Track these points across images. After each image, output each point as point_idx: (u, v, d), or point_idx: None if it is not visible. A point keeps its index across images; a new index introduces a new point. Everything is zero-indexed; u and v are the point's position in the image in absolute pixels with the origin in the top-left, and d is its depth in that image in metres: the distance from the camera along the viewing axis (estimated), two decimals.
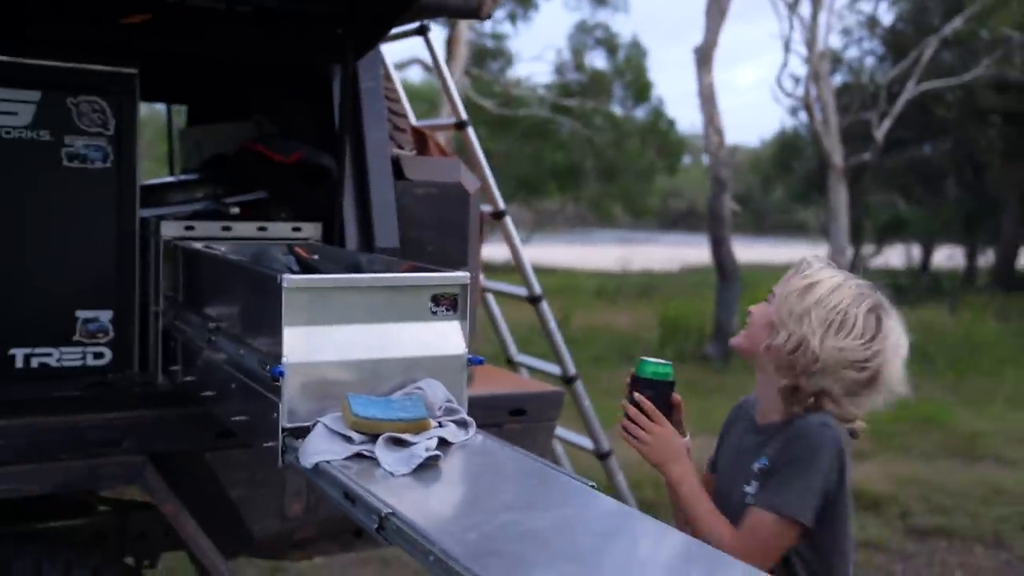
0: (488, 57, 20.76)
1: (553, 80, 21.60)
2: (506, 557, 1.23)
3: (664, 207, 40.49)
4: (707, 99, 9.73)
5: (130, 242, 2.51)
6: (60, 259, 2.46)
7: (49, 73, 2.41)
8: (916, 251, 22.43)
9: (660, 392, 1.81)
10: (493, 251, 10.47)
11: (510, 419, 2.83)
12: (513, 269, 3.81)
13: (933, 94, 15.79)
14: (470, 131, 3.55)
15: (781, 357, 1.73)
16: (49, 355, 2.45)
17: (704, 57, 9.72)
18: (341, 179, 2.60)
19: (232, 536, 2.58)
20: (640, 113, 22.32)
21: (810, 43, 12.95)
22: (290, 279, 1.77)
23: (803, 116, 17.11)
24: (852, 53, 19.30)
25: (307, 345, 1.78)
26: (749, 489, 1.75)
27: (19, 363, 2.42)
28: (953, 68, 15.89)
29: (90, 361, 2.49)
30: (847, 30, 18.66)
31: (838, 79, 18.29)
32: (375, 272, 2.04)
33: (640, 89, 21.57)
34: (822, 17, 13.16)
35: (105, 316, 2.50)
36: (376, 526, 1.43)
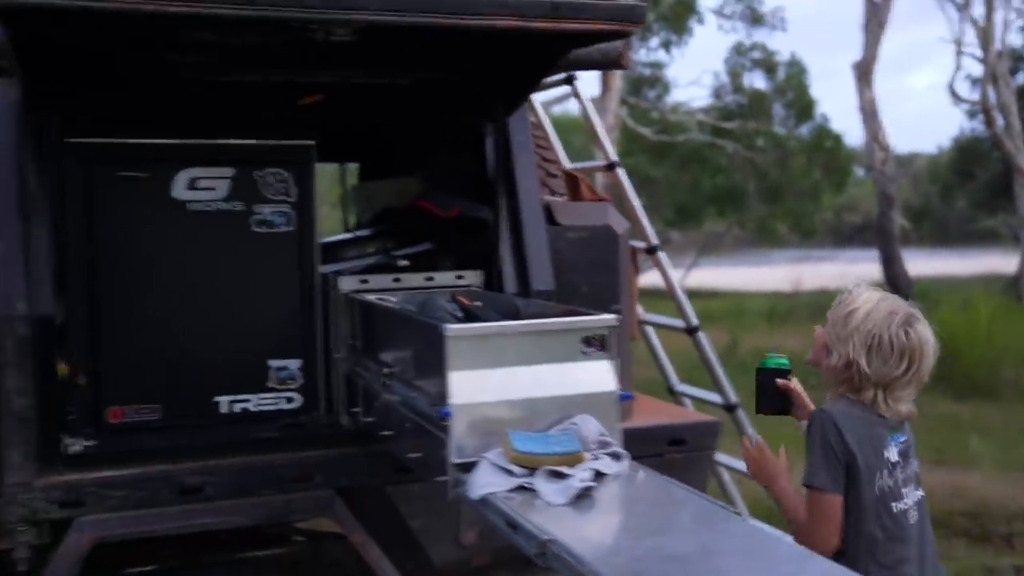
0: (645, 85, 20.84)
1: (711, 103, 21.44)
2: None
3: (838, 222, 39.12)
4: (869, 114, 9.51)
5: (313, 297, 2.78)
6: (253, 315, 2.74)
7: (240, 151, 2.71)
8: None
9: (771, 377, 2.26)
10: (657, 280, 10.47)
11: (670, 449, 2.93)
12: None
13: None
14: (620, 172, 3.69)
15: (838, 373, 2.10)
16: (247, 401, 2.74)
17: (864, 72, 9.52)
18: (498, 228, 2.80)
19: (413, 563, 2.78)
20: (804, 130, 21.80)
21: (985, 43, 12.39)
22: (452, 328, 1.96)
23: (982, 119, 16.33)
24: None
25: (470, 387, 1.96)
26: None
27: (223, 409, 2.72)
28: None
29: (283, 405, 2.76)
30: None
31: (1021, 79, 17.36)
32: (531, 317, 2.21)
33: (803, 108, 21.10)
34: (998, 16, 12.59)
35: (294, 364, 2.77)
36: (537, 552, 1.58)
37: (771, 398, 2.27)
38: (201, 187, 2.68)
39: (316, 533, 3.11)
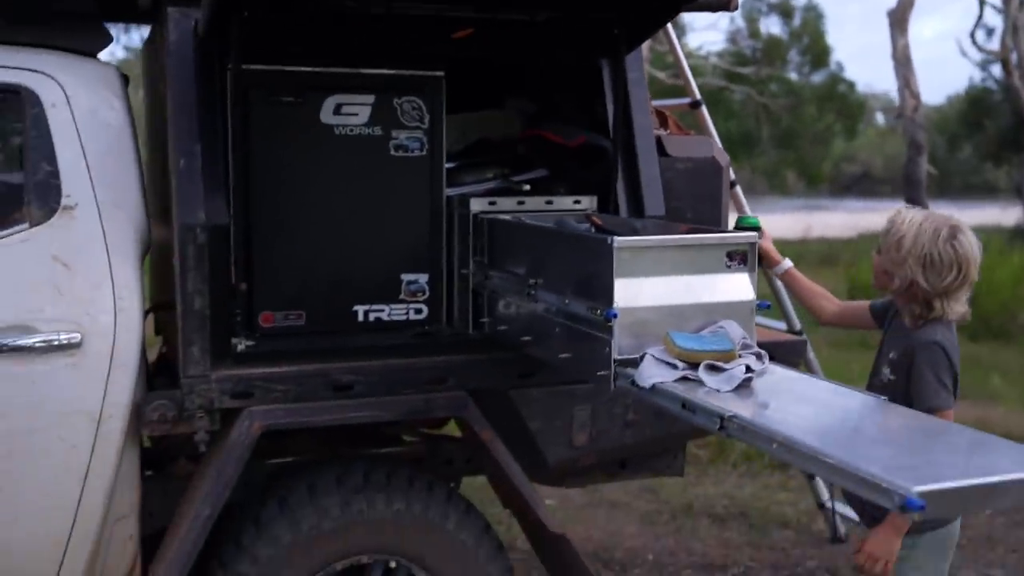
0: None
1: (726, 48, 21.50)
2: (840, 439, 1.63)
3: (837, 172, 39.23)
4: (902, 62, 9.68)
5: (440, 216, 3.02)
6: (388, 232, 2.98)
7: (380, 80, 2.93)
8: None
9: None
10: None
11: None
12: None
13: None
14: (703, 110, 3.92)
15: (903, 292, 2.53)
16: (381, 311, 2.99)
17: (899, 19, 9.66)
18: (615, 158, 3.04)
19: (529, 463, 3.07)
20: (818, 78, 21.91)
21: None
22: (620, 241, 2.22)
23: (996, 71, 16.44)
24: None
25: (630, 293, 2.23)
26: (886, 371, 2.63)
27: (360, 317, 2.97)
28: None
29: (411, 316, 3.01)
30: None
31: None
32: (671, 233, 2.46)
33: (818, 54, 21.19)
34: None
35: (423, 278, 3.02)
36: (718, 426, 1.85)
37: None
38: (346, 112, 2.91)
39: (432, 436, 3.39)
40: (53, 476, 2.55)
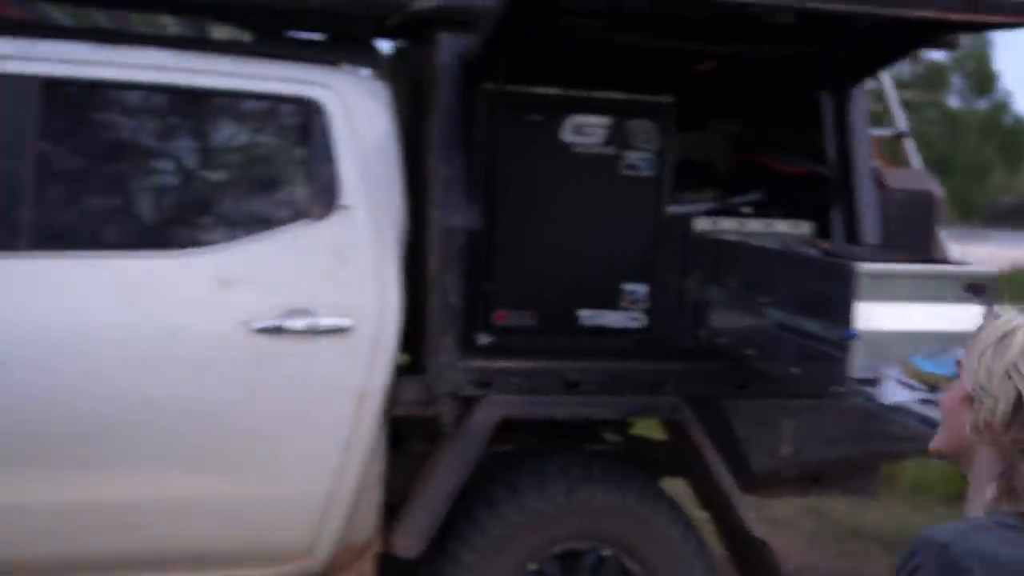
0: None
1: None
2: None
3: (993, 202, 37.62)
4: None
5: (664, 232, 3.23)
6: (613, 243, 3.21)
7: (617, 103, 3.17)
8: None
9: None
10: None
11: None
12: None
13: None
14: (908, 142, 4.00)
15: (996, 434, 1.33)
16: (603, 316, 3.22)
17: None
18: (835, 187, 3.19)
19: (735, 467, 3.24)
20: (982, 104, 21.19)
21: None
22: (863, 267, 2.38)
23: None
24: None
25: (870, 316, 2.39)
26: None
27: (583, 321, 3.21)
28: None
29: (631, 324, 3.24)
30: None
31: None
32: (917, 263, 2.61)
33: (983, 80, 20.49)
34: None
35: (643, 289, 3.23)
36: None
37: None
38: (584, 132, 3.16)
39: (633, 435, 3.61)
40: (320, 444, 2.87)
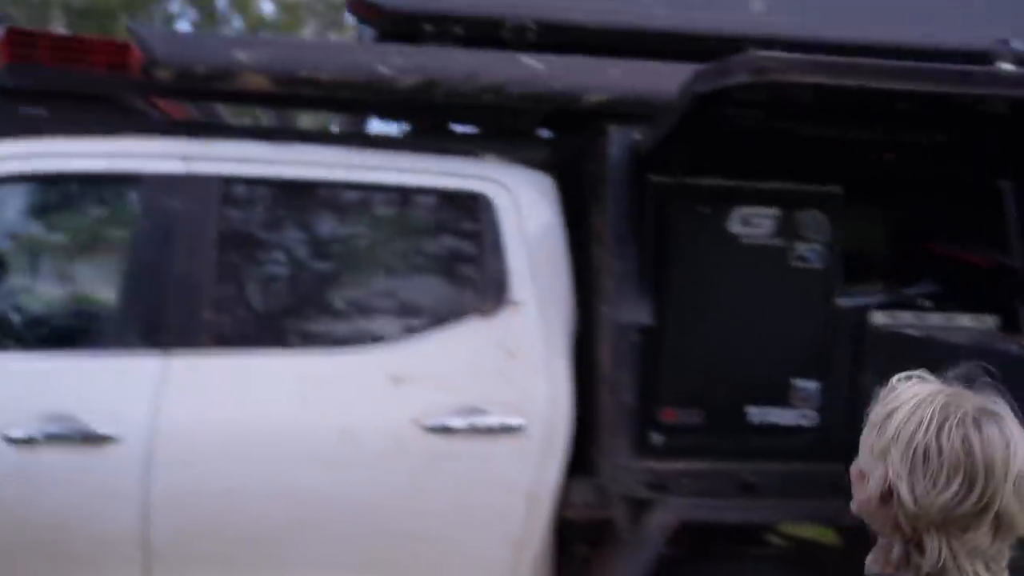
0: None
1: None
2: None
3: None
4: None
5: (835, 326, 3.10)
6: (782, 337, 3.09)
7: (784, 193, 3.08)
8: None
9: None
10: None
11: None
12: None
13: None
14: None
15: (874, 510, 1.35)
16: (773, 414, 3.09)
17: None
18: (1022, 277, 3.04)
19: None
20: None
21: None
22: None
23: None
24: None
25: None
26: None
27: (752, 419, 3.08)
28: None
29: (801, 421, 3.09)
30: None
31: None
32: None
33: None
34: None
35: (813, 385, 3.09)
36: None
37: None
38: (752, 223, 3.07)
39: (802, 540, 3.43)
40: (490, 547, 2.79)
